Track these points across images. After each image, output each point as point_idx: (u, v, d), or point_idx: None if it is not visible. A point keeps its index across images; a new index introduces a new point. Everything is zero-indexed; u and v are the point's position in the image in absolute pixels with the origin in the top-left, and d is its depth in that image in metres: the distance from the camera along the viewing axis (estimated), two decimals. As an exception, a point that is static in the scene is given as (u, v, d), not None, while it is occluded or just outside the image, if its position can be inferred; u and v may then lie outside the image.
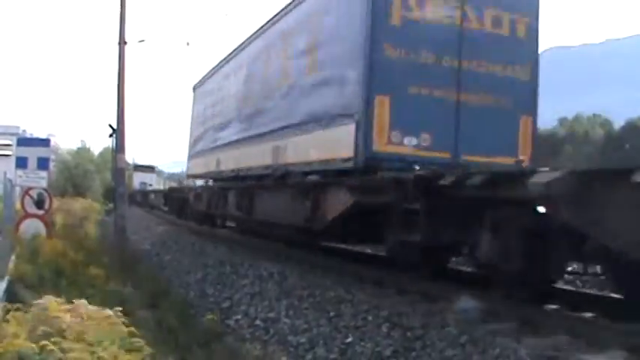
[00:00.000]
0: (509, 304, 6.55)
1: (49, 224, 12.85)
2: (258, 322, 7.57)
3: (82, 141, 58.86)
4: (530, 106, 10.10)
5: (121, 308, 4.20)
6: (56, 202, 17.90)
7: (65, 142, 61.47)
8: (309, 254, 11.98)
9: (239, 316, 7.99)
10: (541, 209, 6.15)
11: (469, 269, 8.97)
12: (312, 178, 11.30)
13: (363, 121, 9.20)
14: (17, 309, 4.24)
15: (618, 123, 74.84)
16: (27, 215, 12.76)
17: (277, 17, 13.78)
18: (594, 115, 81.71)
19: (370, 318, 6.71)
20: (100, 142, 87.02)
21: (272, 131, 13.12)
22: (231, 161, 16.53)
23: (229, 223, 19.55)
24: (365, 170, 9.32)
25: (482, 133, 9.48)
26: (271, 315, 7.69)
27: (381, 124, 9.20)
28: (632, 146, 61.88)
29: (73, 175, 56.94)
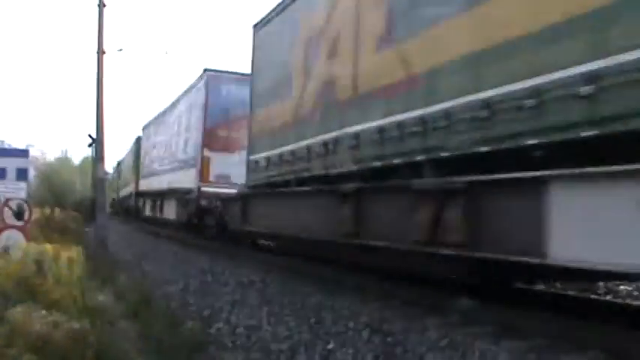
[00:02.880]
0: (488, 308, 6.59)
1: (28, 235, 12.72)
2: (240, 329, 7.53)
3: (62, 150, 57.81)
4: None
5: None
6: (36, 213, 17.70)
7: (46, 151, 59.84)
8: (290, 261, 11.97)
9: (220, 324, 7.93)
10: None
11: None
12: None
13: None
14: None
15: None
16: (6, 227, 12.62)
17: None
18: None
19: (351, 324, 6.72)
20: (81, 151, 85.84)
21: None
22: None
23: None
24: None
25: None
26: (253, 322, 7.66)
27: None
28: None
29: (54, 185, 55.99)
